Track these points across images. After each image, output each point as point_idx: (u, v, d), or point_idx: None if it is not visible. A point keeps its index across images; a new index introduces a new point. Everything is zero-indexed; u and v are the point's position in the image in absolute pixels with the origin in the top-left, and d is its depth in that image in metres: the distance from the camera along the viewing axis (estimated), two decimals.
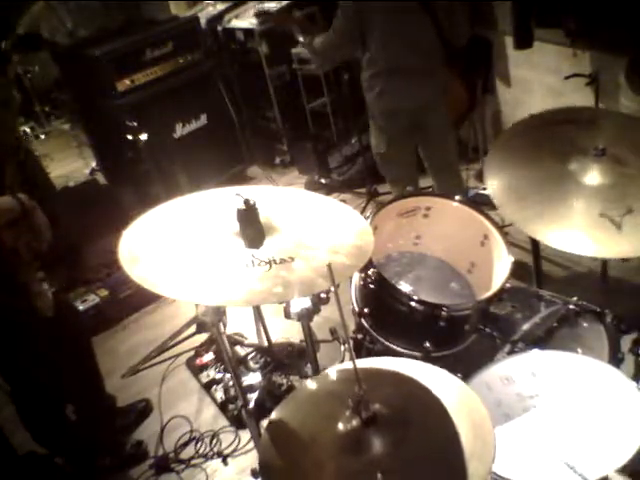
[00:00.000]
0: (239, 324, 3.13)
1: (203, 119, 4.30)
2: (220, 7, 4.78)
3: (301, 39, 3.08)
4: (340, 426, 1.27)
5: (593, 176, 1.73)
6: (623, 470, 1.36)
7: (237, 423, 2.70)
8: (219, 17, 4.67)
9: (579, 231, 1.64)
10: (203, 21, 4.52)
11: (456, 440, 1.22)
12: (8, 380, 2.40)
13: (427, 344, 1.90)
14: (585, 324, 1.98)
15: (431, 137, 3.08)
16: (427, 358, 1.88)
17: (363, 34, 2.85)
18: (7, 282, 2.09)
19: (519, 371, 1.68)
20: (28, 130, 5.49)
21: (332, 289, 1.29)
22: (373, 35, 2.83)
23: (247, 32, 4.47)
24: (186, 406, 2.88)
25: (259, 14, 3.75)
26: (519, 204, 1.74)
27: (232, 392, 2.82)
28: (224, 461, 2.58)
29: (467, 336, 1.98)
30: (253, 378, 2.82)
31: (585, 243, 1.62)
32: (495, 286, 1.92)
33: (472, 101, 3.16)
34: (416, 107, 2.93)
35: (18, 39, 4.10)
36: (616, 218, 1.59)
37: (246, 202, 1.47)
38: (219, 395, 2.87)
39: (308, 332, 1.91)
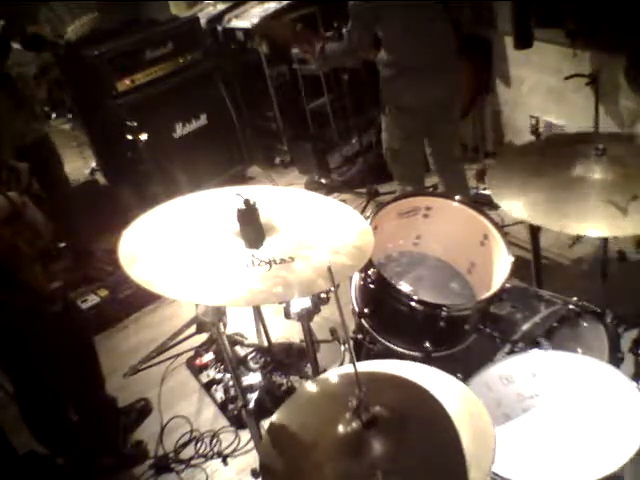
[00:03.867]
0: (239, 324, 3.13)
1: (203, 119, 4.30)
2: (220, 7, 4.77)
3: (309, 55, 3.08)
4: (340, 428, 1.27)
5: (597, 175, 1.74)
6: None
7: (237, 423, 2.70)
8: (219, 17, 4.66)
9: (588, 221, 1.66)
10: (203, 21, 4.51)
11: (457, 444, 1.22)
12: (11, 379, 2.40)
13: (427, 344, 1.91)
14: (585, 324, 1.98)
15: (442, 132, 3.10)
16: (427, 358, 1.89)
17: (376, 34, 2.84)
18: (9, 281, 2.09)
19: (519, 371, 1.68)
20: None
21: (332, 289, 1.29)
22: (389, 35, 2.83)
23: (247, 32, 4.47)
24: (186, 406, 2.88)
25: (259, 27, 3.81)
26: (531, 209, 1.74)
27: (232, 392, 2.82)
28: (224, 461, 2.58)
29: (467, 336, 1.98)
30: (253, 378, 2.82)
31: (594, 227, 1.66)
32: (495, 286, 1.92)
33: (478, 90, 3.16)
34: (436, 103, 2.94)
35: (21, 39, 4.09)
36: (621, 204, 1.61)
37: (246, 202, 1.46)
38: (219, 395, 2.87)
39: (308, 332, 1.91)
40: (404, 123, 3.01)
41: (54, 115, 5.94)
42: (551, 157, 1.87)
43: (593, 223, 1.65)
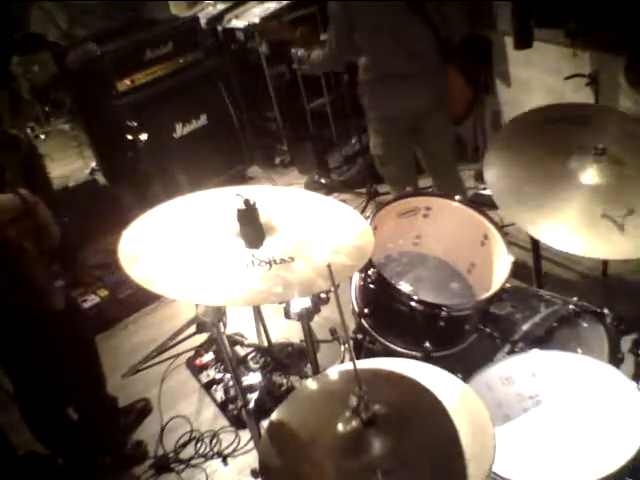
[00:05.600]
0: (239, 324, 3.13)
1: (203, 119, 4.30)
2: (220, 7, 4.77)
3: (300, 53, 3.07)
4: (340, 427, 1.27)
5: (593, 175, 1.72)
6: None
7: (237, 423, 2.70)
8: (219, 17, 4.67)
9: (581, 232, 1.63)
10: (203, 21, 4.52)
11: (456, 441, 1.22)
12: (12, 379, 2.40)
13: (427, 344, 1.91)
14: (585, 324, 1.98)
15: (429, 139, 3.06)
16: (427, 358, 1.88)
17: (353, 38, 2.79)
18: (14, 280, 2.09)
19: (519, 371, 1.68)
20: (28, 130, 5.48)
21: (332, 289, 1.29)
22: (363, 39, 2.79)
23: (247, 32, 4.47)
24: (186, 406, 2.88)
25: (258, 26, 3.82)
26: (520, 205, 1.73)
27: (232, 392, 2.82)
28: (224, 461, 2.58)
29: (467, 336, 1.98)
30: (253, 378, 2.82)
31: (587, 244, 1.62)
32: (495, 286, 1.92)
33: (475, 97, 3.14)
34: (413, 113, 2.90)
35: (20, 39, 4.10)
36: (618, 219, 1.59)
37: (246, 202, 1.46)
38: (219, 395, 2.87)
39: (308, 332, 1.91)
40: (383, 131, 2.99)
41: (53, 117, 5.96)
42: (547, 148, 1.83)
43: (590, 242, 1.62)
